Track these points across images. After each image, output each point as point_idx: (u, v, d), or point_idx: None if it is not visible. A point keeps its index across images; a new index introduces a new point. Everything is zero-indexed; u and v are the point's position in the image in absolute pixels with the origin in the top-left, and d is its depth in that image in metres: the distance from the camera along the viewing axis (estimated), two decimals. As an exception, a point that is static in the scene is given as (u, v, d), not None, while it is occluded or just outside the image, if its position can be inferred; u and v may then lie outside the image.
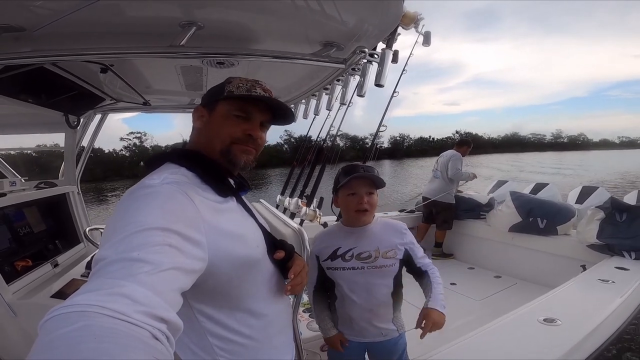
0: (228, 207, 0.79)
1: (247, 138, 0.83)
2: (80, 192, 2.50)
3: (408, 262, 1.39)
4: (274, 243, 0.89)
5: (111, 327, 0.39)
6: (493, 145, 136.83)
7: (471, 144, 4.39)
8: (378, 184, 1.32)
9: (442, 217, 4.12)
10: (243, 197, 0.89)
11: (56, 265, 1.93)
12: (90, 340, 0.36)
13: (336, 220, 2.75)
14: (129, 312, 0.41)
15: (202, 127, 0.85)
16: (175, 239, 0.57)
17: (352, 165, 1.37)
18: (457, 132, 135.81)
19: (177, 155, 0.81)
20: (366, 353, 1.45)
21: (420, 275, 1.41)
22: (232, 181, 0.86)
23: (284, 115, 0.90)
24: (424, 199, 4.30)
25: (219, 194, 0.77)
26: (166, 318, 0.46)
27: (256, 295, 0.82)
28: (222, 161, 0.83)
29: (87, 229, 2.28)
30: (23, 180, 2.12)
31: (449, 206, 4.13)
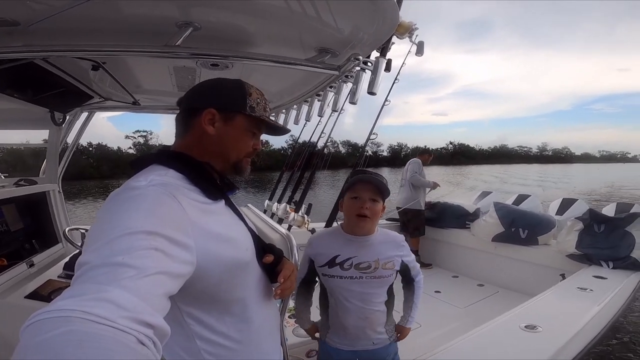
0: (217, 210, 0.78)
1: (254, 152, 0.89)
2: (61, 190, 2.43)
3: (404, 272, 1.43)
4: (262, 247, 0.88)
5: (95, 333, 0.38)
6: (483, 156, 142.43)
7: (432, 154, 4.71)
8: (383, 191, 1.30)
9: (413, 224, 4.21)
10: (232, 200, 0.88)
11: (32, 265, 1.87)
12: (74, 345, 0.36)
13: (325, 227, 2.75)
14: (113, 318, 0.40)
15: (215, 134, 0.81)
16: (161, 242, 0.56)
17: (362, 170, 1.38)
18: (450, 142, 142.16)
19: (165, 156, 0.79)
20: None
21: (409, 283, 1.46)
22: (219, 183, 0.85)
23: (277, 132, 0.96)
24: (397, 208, 4.41)
25: (208, 196, 0.76)
26: (152, 323, 0.45)
27: (245, 299, 0.81)
28: (228, 170, 0.86)
29: (67, 229, 2.21)
30: (2, 177, 2.05)
31: (418, 213, 4.24)
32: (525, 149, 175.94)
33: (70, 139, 2.51)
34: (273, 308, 0.93)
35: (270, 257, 0.86)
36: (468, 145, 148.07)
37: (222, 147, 0.83)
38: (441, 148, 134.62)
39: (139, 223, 0.56)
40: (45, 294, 1.59)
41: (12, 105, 1.77)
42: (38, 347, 0.36)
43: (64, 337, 0.36)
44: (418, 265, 1.47)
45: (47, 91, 1.71)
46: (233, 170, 0.86)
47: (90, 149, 46.96)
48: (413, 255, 1.44)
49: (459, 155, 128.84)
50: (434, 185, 4.43)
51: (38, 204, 2.21)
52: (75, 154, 2.54)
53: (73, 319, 0.39)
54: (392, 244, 1.38)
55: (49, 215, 2.27)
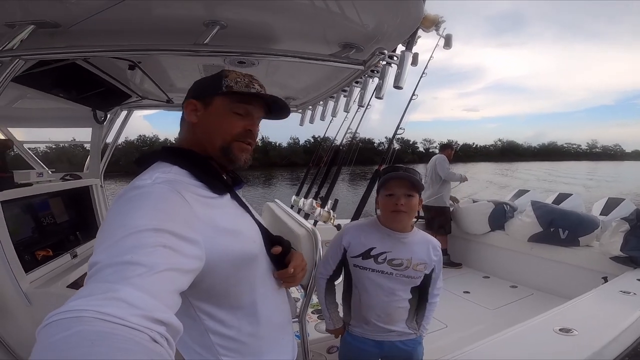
0: (222, 204, 0.78)
1: (247, 133, 0.83)
2: (103, 185, 2.58)
3: (424, 284, 1.39)
4: (270, 239, 0.88)
5: (107, 332, 0.38)
6: (532, 153, 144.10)
7: (453, 148, 4.59)
8: (417, 185, 1.29)
9: (438, 222, 4.12)
10: (238, 193, 0.87)
11: (75, 256, 1.96)
12: (85, 345, 0.36)
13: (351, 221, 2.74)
14: (125, 316, 0.41)
15: (198, 122, 0.81)
16: (169, 239, 0.56)
17: (393, 167, 1.38)
18: (499, 140, 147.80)
19: (169, 153, 0.79)
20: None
21: (422, 298, 1.43)
22: (225, 177, 0.85)
23: (279, 110, 0.90)
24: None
25: (213, 191, 0.76)
26: (164, 320, 0.45)
27: (255, 292, 0.81)
28: (220, 158, 0.82)
29: (108, 222, 2.34)
30: (50, 172, 2.20)
31: (442, 210, 4.16)
32: (574, 145, 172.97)
33: (110, 137, 2.66)
34: (283, 300, 0.93)
35: (278, 248, 0.86)
36: (516, 142, 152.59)
37: (206, 133, 0.81)
38: (489, 145, 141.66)
39: (146, 221, 0.57)
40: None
41: (59, 105, 1.91)
42: (51, 348, 0.36)
43: (75, 337, 0.37)
44: (442, 284, 1.44)
45: (90, 90, 1.82)
46: (224, 157, 0.82)
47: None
48: (441, 267, 1.42)
49: (509, 152, 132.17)
50: (464, 179, 4.36)
51: (82, 198, 2.35)
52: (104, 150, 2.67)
53: (84, 318, 0.39)
54: (428, 246, 1.37)
55: (91, 208, 2.41)
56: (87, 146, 2.56)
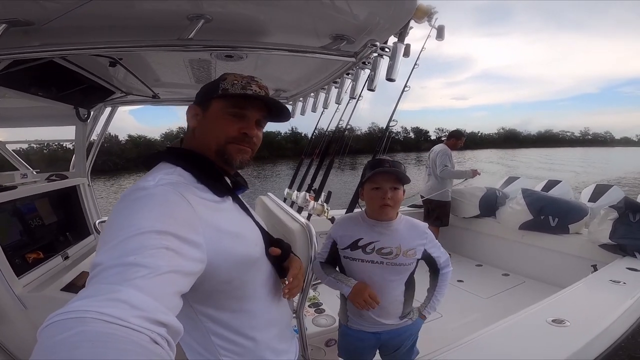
0: (225, 207, 0.79)
1: (242, 137, 0.81)
2: (90, 184, 2.52)
3: (430, 262, 1.43)
4: (271, 242, 0.89)
5: (108, 333, 0.39)
6: (531, 140, 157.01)
7: (461, 137, 4.12)
8: (403, 179, 1.32)
9: (435, 214, 4.06)
10: (240, 196, 0.88)
11: (66, 257, 1.93)
12: (87, 345, 0.36)
13: (346, 213, 2.74)
14: (126, 317, 0.41)
15: (197, 126, 0.83)
16: (172, 241, 0.57)
17: (378, 160, 1.38)
18: (502, 128, 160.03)
19: (173, 154, 0.80)
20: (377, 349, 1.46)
21: (435, 273, 1.46)
22: (228, 180, 0.85)
23: (279, 112, 0.88)
24: (421, 197, 4.28)
25: (216, 194, 0.77)
26: (165, 322, 0.46)
27: (256, 295, 0.82)
28: (217, 160, 0.82)
29: (97, 222, 2.29)
30: (34, 173, 2.13)
31: (442, 204, 4.04)
32: (569, 133, 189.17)
33: (95, 134, 2.58)
34: (283, 303, 0.94)
35: (277, 250, 0.87)
36: (516, 130, 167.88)
37: (204, 135, 0.82)
38: (494, 133, 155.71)
39: (149, 223, 0.57)
40: (80, 286, 1.65)
41: (39, 103, 1.83)
42: (53, 348, 0.37)
43: (77, 337, 0.37)
44: (447, 256, 1.45)
45: (70, 88, 1.75)
46: (220, 159, 0.82)
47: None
48: (439, 246, 1.43)
49: (511, 140, 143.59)
50: (473, 174, 4.06)
51: (69, 198, 2.29)
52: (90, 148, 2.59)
53: (87, 319, 0.40)
54: (415, 232, 1.39)
55: (80, 208, 2.35)
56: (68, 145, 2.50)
